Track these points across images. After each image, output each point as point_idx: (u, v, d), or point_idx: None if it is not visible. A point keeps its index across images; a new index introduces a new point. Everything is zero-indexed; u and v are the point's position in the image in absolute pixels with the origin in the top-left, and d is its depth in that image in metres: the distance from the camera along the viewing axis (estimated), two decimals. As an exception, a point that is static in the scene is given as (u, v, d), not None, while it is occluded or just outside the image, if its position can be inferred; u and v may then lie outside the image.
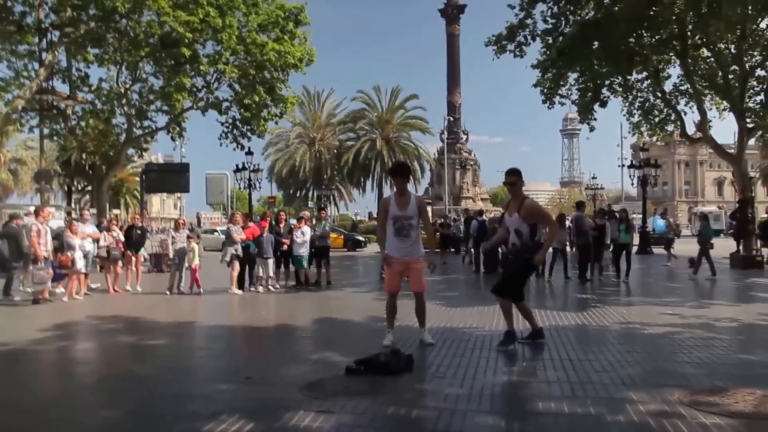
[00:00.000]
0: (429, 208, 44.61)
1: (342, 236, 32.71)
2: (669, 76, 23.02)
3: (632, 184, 31.34)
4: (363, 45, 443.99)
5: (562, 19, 20.31)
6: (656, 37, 20.20)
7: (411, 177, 7.23)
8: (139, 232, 14.35)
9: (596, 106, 21.95)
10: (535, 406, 4.66)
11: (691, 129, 23.25)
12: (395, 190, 6.93)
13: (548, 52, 20.63)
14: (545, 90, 21.89)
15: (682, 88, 22.89)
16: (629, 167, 31.61)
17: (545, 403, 4.69)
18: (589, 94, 21.43)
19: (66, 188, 37.67)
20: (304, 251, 13.44)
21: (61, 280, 12.12)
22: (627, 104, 23.79)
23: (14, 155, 48.86)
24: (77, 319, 9.48)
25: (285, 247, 13.54)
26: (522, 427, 4.28)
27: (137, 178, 36.46)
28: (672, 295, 11.89)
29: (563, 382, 5.25)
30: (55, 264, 11.73)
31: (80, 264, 11.98)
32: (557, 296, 12.13)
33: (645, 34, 20.27)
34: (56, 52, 20.07)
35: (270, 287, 13.17)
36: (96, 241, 13.24)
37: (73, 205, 33.24)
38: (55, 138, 25.54)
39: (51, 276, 11.39)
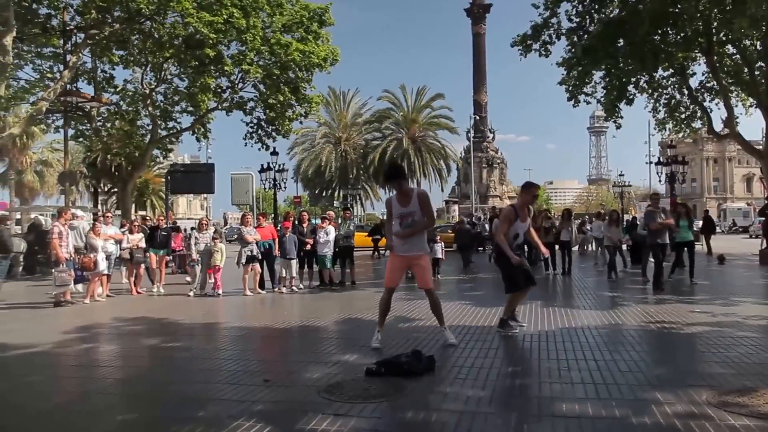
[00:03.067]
0: (456, 207, 44.51)
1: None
2: (694, 73, 22.88)
3: (660, 181, 30.93)
4: (388, 45, 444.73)
5: (587, 17, 20.23)
6: (681, 34, 19.99)
7: (404, 174, 7.18)
8: (164, 233, 14.37)
9: (622, 104, 21.70)
10: (558, 408, 4.51)
11: (718, 126, 22.93)
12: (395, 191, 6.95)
13: (573, 51, 20.45)
14: (570, 88, 21.75)
15: (708, 84, 22.73)
16: (657, 164, 31.22)
17: (569, 405, 4.58)
18: (615, 92, 21.19)
19: (92, 190, 38.23)
20: (327, 251, 13.36)
21: (83, 282, 12.20)
22: (653, 101, 23.59)
23: (40, 157, 49.66)
24: (98, 321, 9.47)
25: (308, 247, 13.46)
26: (544, 430, 4.15)
27: (162, 179, 36.79)
28: (701, 293, 11.58)
29: (587, 383, 5.13)
30: (77, 266, 11.80)
31: (102, 266, 12.04)
32: (582, 295, 11.82)
33: (670, 32, 20.07)
34: (81, 54, 20.33)
35: (293, 288, 13.10)
36: (118, 242, 13.29)
37: (99, 207, 33.67)
38: (80, 139, 25.92)
39: (73, 278, 11.45)
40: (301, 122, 27.63)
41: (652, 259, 12.86)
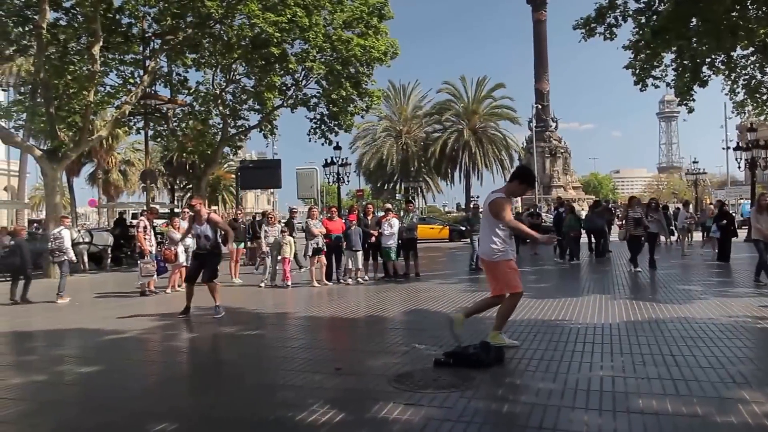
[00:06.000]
0: (519, 198, 44.21)
1: (448, 227, 33.09)
2: (778, 51, 21.36)
3: (739, 167, 29.43)
4: (447, 36, 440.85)
5: None
6: (763, 9, 18.72)
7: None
8: (243, 226, 15.05)
9: (696, 87, 20.67)
10: (635, 404, 4.33)
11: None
12: (509, 190, 6.40)
13: (641, 33, 19.66)
14: (637, 72, 20.90)
15: (794, 62, 21.25)
16: (735, 149, 29.59)
17: (646, 400, 4.39)
18: (688, 73, 20.22)
19: (169, 187, 40.19)
20: (392, 243, 13.57)
21: (165, 273, 12.91)
22: (730, 83, 22.32)
23: (123, 157, 52.53)
24: (179, 309, 10.00)
25: (373, 239, 13.70)
26: (621, 425, 3.97)
27: (233, 176, 38.16)
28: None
29: (665, 379, 4.94)
30: (160, 258, 12.52)
31: (182, 258, 12.69)
32: (658, 288, 11.51)
33: (750, 6, 18.83)
34: (158, 59, 21.38)
35: (359, 279, 13.39)
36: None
37: (176, 203, 35.21)
38: (158, 139, 27.19)
39: (156, 269, 12.16)
40: (362, 116, 28.09)
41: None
